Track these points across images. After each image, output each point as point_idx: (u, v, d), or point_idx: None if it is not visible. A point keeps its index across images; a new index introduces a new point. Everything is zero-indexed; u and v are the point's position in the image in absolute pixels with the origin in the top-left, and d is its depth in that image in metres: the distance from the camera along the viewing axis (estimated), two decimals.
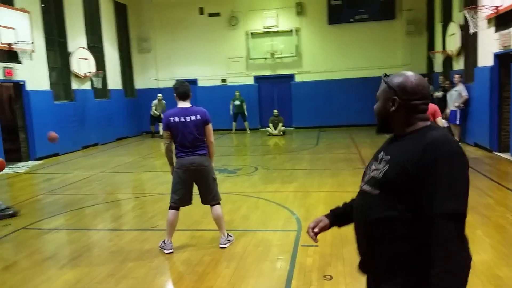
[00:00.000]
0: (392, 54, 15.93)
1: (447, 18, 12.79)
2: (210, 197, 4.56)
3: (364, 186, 1.76)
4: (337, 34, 16.18)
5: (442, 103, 12.06)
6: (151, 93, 16.41)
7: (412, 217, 1.50)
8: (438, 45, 13.81)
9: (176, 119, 4.32)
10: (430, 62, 14.90)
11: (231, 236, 4.73)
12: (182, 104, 4.41)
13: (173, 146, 4.49)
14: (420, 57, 15.61)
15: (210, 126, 4.48)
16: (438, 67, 13.96)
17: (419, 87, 1.63)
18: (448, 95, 11.42)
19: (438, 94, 12.36)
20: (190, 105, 4.43)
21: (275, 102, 16.92)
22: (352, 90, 16.02)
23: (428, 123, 1.65)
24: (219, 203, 4.62)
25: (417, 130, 1.62)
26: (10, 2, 10.64)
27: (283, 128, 15.15)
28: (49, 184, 8.38)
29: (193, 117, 4.34)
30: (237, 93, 15.86)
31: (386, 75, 1.71)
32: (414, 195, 1.49)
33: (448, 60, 13.05)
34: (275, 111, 15.45)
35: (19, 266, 4.33)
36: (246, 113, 15.88)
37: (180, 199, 4.49)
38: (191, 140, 4.35)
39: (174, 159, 4.53)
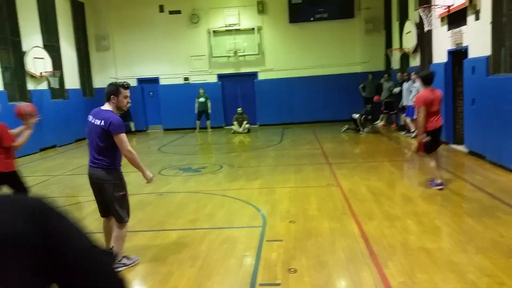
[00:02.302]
0: (351, 51, 16.27)
1: (403, 17, 13.20)
2: (113, 215, 4.10)
3: None
4: (298, 32, 16.36)
5: (399, 98, 12.52)
6: None
7: None
8: (396, 43, 14.23)
9: (90, 118, 3.95)
10: (388, 59, 15.34)
11: (129, 259, 4.16)
12: (104, 106, 4.01)
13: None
14: (378, 54, 16.03)
15: (119, 137, 3.86)
16: (395, 64, 14.39)
17: None
18: (404, 87, 11.85)
19: (396, 89, 12.78)
20: (108, 109, 3.95)
21: (239, 100, 16.93)
22: (314, 87, 16.26)
23: None
24: (122, 224, 4.06)
25: None
26: None
27: (247, 125, 15.17)
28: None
29: (98, 122, 3.87)
30: (201, 91, 15.77)
31: None
32: None
33: (405, 57, 13.48)
34: (239, 109, 15.45)
35: None
36: (210, 111, 15.81)
37: (98, 209, 4.24)
38: (92, 147, 3.96)
39: None
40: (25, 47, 12.53)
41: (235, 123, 15.27)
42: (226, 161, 9.86)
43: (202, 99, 15.68)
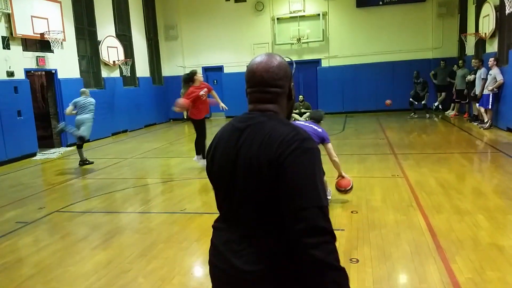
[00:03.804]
0: (422, 37, 15.50)
1: None
2: None
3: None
4: (365, 17, 15.85)
5: (472, 86, 11.78)
6: (178, 80, 16.46)
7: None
8: (471, 28, 13.34)
9: None
10: (462, 45, 14.43)
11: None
12: None
13: None
14: (451, 40, 15.14)
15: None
16: (470, 50, 13.50)
17: None
18: (477, 75, 11.13)
19: (470, 77, 12.01)
20: None
21: (300, 87, 16.78)
22: (381, 74, 15.73)
23: None
24: None
25: None
26: None
27: (308, 113, 15.04)
28: (81, 169, 8.65)
29: None
30: None
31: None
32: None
33: (480, 43, 12.61)
34: (301, 96, 15.33)
35: (54, 247, 4.51)
36: None
37: None
38: None
39: None
40: (100, 36, 13.28)
41: (296, 110, 15.18)
42: None
43: None
